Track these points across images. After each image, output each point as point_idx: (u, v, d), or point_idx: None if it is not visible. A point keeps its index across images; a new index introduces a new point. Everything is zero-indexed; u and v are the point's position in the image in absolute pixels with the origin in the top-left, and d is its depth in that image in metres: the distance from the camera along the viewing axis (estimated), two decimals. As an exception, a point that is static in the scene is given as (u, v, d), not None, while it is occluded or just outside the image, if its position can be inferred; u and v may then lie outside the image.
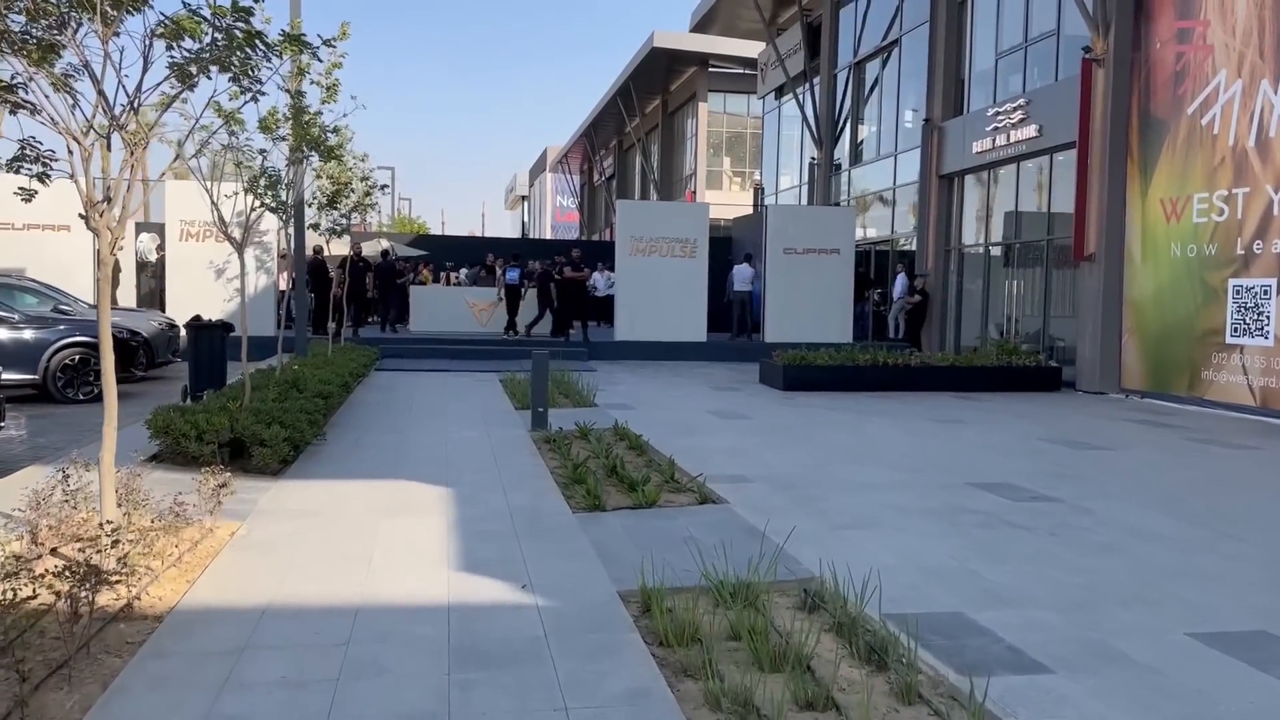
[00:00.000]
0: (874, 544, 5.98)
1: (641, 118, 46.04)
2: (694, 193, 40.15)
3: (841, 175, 25.69)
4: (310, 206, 13.28)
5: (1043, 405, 13.70)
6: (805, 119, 26.28)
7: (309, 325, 20.84)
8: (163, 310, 20.00)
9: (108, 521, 4.92)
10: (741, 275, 21.05)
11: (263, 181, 9.73)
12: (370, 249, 26.23)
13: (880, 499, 7.22)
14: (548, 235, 73.07)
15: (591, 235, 63.34)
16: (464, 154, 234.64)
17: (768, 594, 4.75)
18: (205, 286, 18.77)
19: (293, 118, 9.22)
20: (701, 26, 30.85)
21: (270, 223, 18.82)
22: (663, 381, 15.71)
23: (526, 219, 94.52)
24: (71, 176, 4.80)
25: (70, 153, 4.78)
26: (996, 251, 19.19)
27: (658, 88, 43.55)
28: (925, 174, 20.67)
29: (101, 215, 4.85)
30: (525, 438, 9.83)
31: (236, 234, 9.25)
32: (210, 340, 11.22)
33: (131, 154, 4.90)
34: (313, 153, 10.31)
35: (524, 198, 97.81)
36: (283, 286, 21.86)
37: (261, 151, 8.91)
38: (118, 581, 4.35)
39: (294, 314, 14.55)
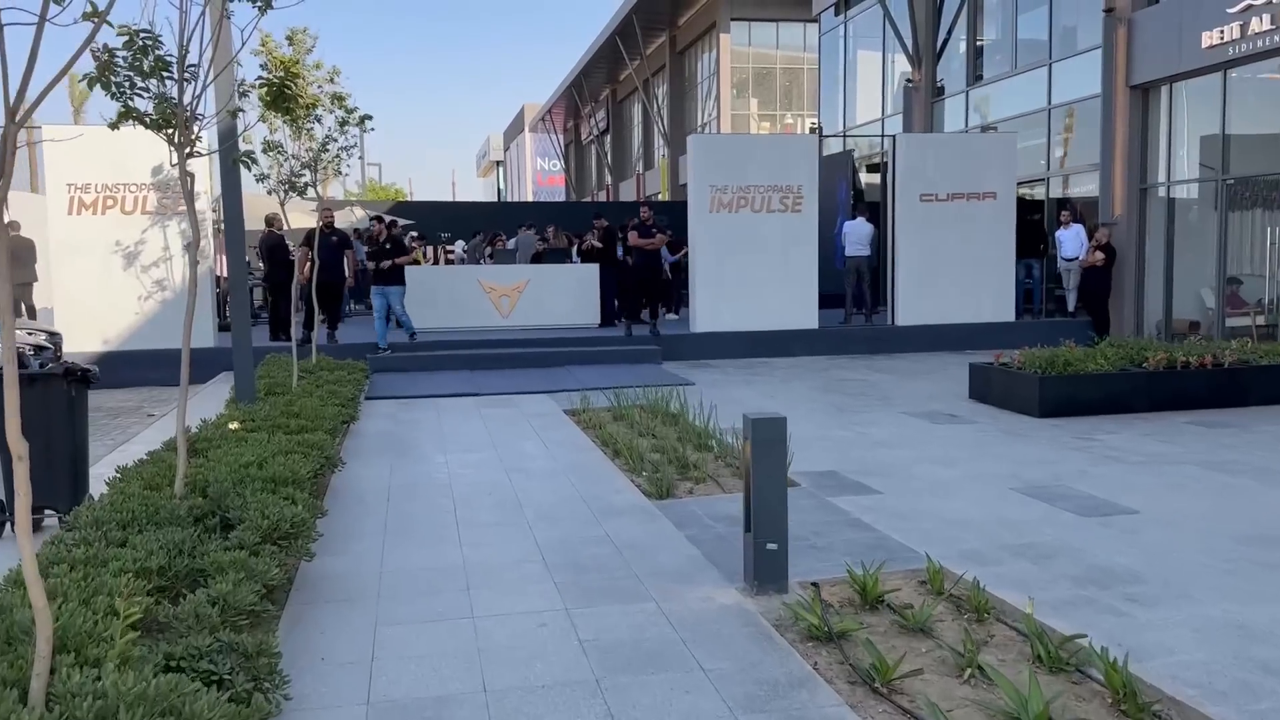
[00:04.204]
0: None
1: (643, 60, 39.95)
2: (715, 142, 34.29)
3: (946, 101, 19.99)
4: (241, 124, 7.38)
5: None
6: (895, 31, 20.50)
7: (256, 325, 14.99)
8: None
9: None
10: (857, 234, 15.40)
11: (122, 49, 4.01)
12: (344, 220, 20.35)
13: None
14: (529, 201, 66.86)
15: (582, 198, 57.34)
16: (429, 119, 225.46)
17: None
18: (110, 281, 12.89)
19: None
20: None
21: (196, 181, 12.92)
22: (820, 406, 10.09)
23: (503, 185, 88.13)
24: None
25: None
26: (1240, 188, 13.64)
27: (664, 21, 37.46)
28: (1108, 86, 15.04)
29: None
30: (754, 622, 4.24)
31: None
32: (47, 408, 5.45)
33: None
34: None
35: (499, 163, 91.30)
36: (222, 271, 16.02)
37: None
38: None
39: (232, 323, 8.82)
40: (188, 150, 4.90)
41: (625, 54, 38.24)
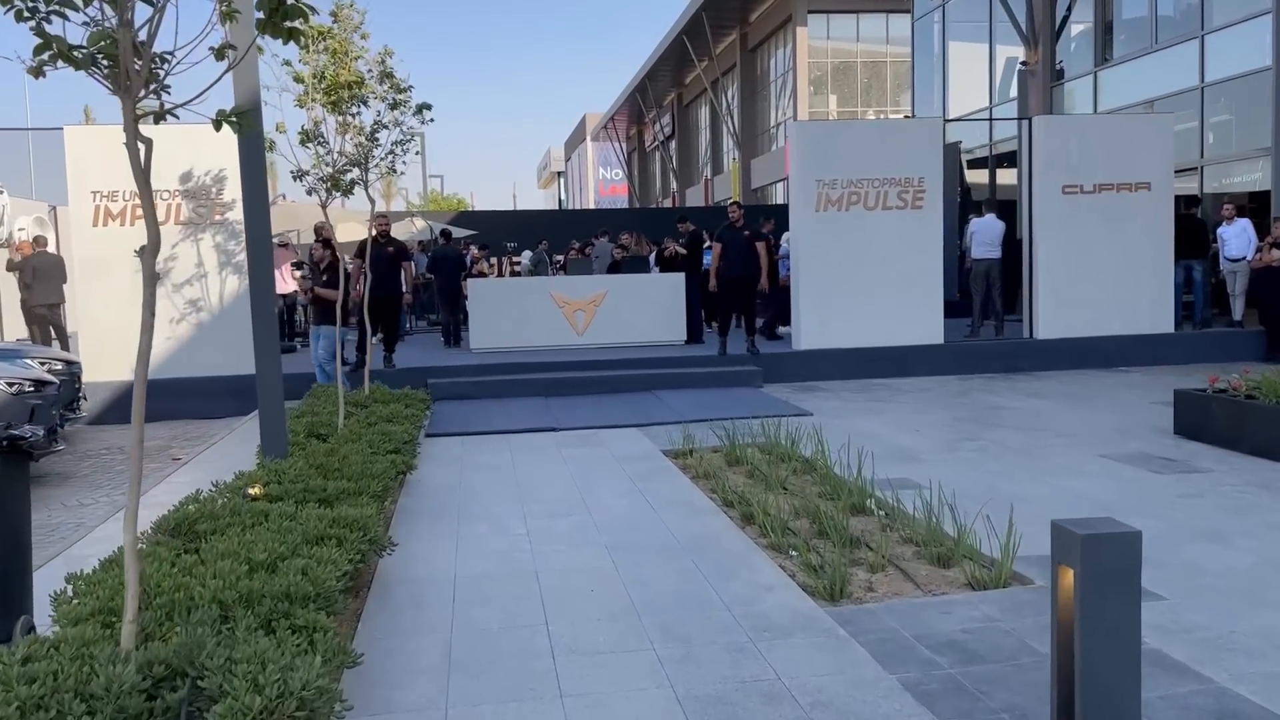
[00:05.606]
0: None
1: (711, 60, 38.12)
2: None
3: (1067, 85, 17.80)
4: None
5: None
6: (1006, 9, 18.39)
7: (304, 349, 13.41)
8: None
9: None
10: (986, 234, 13.34)
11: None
12: (402, 231, 18.84)
13: None
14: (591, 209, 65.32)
15: (646, 206, 55.66)
16: (489, 131, 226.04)
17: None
18: (138, 301, 11.34)
19: None
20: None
21: (234, 187, 11.40)
22: (986, 446, 8.11)
23: (564, 195, 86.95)
24: None
25: None
26: None
27: (735, 19, 35.65)
28: (1282, 55, 12.83)
29: None
30: None
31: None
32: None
33: None
34: None
35: (560, 174, 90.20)
36: (284, 289, 14.51)
37: None
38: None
39: (255, 357, 7.13)
40: (141, 108, 3.18)
41: (693, 54, 36.50)
